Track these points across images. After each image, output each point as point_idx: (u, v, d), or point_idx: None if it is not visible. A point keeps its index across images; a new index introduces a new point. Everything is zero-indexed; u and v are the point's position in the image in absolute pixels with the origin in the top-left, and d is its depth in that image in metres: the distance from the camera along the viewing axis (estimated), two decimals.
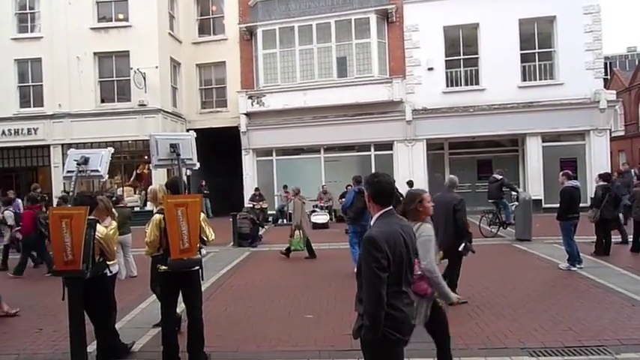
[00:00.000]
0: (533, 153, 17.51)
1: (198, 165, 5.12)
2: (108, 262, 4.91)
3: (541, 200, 16.99)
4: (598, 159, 16.80)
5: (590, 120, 16.90)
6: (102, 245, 4.69)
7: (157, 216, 4.58)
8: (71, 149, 5.34)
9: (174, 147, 4.73)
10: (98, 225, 4.66)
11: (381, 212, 2.77)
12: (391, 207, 2.81)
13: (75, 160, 4.79)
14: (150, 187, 5.83)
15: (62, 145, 17.98)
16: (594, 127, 16.93)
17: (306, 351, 4.95)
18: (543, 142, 17.51)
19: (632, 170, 14.89)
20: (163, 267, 4.53)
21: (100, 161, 4.89)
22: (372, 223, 2.81)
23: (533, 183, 17.37)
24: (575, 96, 16.82)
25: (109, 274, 5.01)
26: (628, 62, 49.59)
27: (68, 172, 4.92)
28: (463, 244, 6.17)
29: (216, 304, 6.85)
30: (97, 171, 4.87)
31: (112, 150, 5.26)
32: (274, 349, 5.06)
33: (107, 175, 5.14)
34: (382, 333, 2.57)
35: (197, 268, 4.61)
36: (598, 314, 5.92)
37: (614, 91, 18.29)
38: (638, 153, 35.77)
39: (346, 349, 4.89)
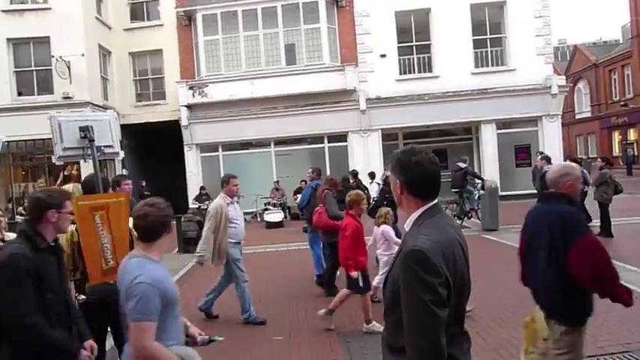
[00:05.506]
0: (488, 140, 17.24)
1: (122, 154, 3.88)
2: None
3: (497, 188, 16.71)
4: (551, 144, 16.70)
5: (542, 106, 16.83)
6: None
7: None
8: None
9: (85, 131, 3.44)
10: None
11: (424, 209, 1.75)
12: (436, 201, 1.80)
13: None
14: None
15: None
16: (546, 113, 16.89)
17: None
18: (498, 129, 17.29)
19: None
20: (82, 296, 3.29)
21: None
22: (407, 226, 1.78)
23: (489, 171, 17.05)
24: (527, 82, 16.66)
25: None
26: (560, 53, 51.89)
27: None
28: None
29: None
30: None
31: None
32: None
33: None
34: None
35: None
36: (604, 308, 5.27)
37: (564, 77, 18.40)
38: (574, 140, 37.56)
39: None
